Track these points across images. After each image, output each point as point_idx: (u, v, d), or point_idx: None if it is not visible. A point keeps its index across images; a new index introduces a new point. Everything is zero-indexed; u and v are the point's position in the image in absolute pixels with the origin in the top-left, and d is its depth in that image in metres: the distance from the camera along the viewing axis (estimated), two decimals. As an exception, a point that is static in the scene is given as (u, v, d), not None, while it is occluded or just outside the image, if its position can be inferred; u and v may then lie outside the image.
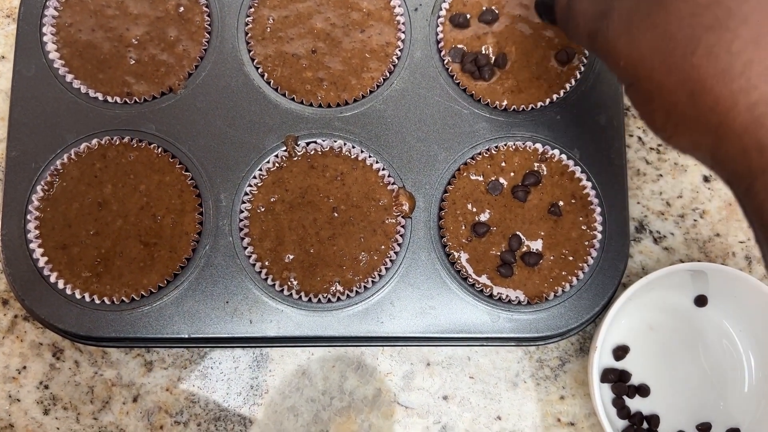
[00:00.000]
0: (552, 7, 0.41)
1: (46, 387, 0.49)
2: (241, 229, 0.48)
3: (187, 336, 0.46)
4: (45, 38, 0.49)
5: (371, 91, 0.50)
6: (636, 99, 0.34)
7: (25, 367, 0.49)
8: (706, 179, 0.54)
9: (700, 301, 0.50)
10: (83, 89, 0.49)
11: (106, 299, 0.46)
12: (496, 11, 0.50)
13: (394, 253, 0.48)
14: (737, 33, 0.28)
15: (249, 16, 0.50)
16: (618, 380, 0.49)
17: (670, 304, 0.50)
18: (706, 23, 0.29)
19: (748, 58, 0.28)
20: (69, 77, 0.49)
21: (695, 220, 0.53)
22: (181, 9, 0.50)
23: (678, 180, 0.54)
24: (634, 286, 0.46)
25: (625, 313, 0.50)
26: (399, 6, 0.51)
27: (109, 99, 0.49)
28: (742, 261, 0.53)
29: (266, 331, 0.46)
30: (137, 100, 0.49)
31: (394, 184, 0.49)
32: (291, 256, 0.47)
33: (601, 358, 0.47)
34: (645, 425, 0.48)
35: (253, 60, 0.50)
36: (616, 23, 0.33)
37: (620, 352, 0.49)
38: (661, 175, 0.54)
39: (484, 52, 0.50)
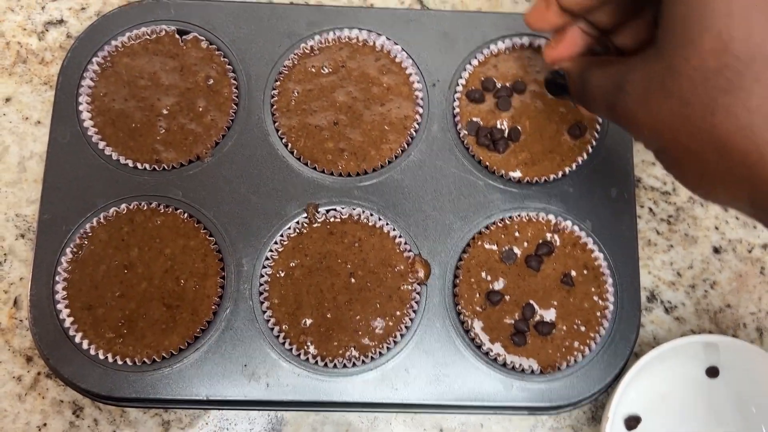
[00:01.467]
0: (564, 86, 0.43)
1: (65, 445, 0.50)
2: (261, 293, 0.49)
3: (205, 398, 0.47)
4: (80, 107, 0.51)
5: (390, 162, 0.52)
6: (666, 163, 0.36)
7: (45, 424, 0.50)
8: (716, 250, 0.55)
9: (712, 372, 0.51)
10: (114, 156, 0.51)
11: (128, 360, 0.47)
12: (510, 87, 0.53)
13: (410, 319, 0.49)
14: (752, 91, 0.30)
15: (275, 89, 0.53)
16: (630, 451, 0.49)
17: (682, 375, 0.51)
18: (720, 86, 0.30)
19: (767, 111, 0.30)
20: (101, 144, 0.51)
21: (706, 291, 0.54)
22: (211, 81, 0.52)
23: (688, 251, 0.55)
24: (645, 357, 0.47)
25: (637, 383, 0.50)
26: (418, 82, 0.53)
27: (139, 166, 0.51)
28: (754, 332, 0.53)
29: (282, 395, 0.47)
30: (165, 167, 0.51)
31: (410, 251, 0.50)
32: (309, 321, 0.48)
33: (613, 427, 0.48)
34: (658, 498, 0.48)
35: (277, 131, 0.52)
36: (633, 95, 0.34)
37: (632, 422, 0.49)
38: (671, 246, 0.55)
39: (498, 126, 0.52)
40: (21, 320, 0.52)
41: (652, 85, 0.33)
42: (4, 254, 0.53)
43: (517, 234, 0.50)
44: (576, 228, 0.51)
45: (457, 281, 0.49)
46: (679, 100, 0.32)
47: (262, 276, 0.49)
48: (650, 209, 0.56)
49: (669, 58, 0.32)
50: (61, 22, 0.57)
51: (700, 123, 0.31)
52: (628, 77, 0.35)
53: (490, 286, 0.49)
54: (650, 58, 0.34)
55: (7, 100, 0.55)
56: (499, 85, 0.53)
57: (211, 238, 0.50)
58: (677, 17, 0.31)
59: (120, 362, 0.47)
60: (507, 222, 0.51)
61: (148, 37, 0.53)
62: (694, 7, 0.31)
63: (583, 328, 0.49)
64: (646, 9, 0.40)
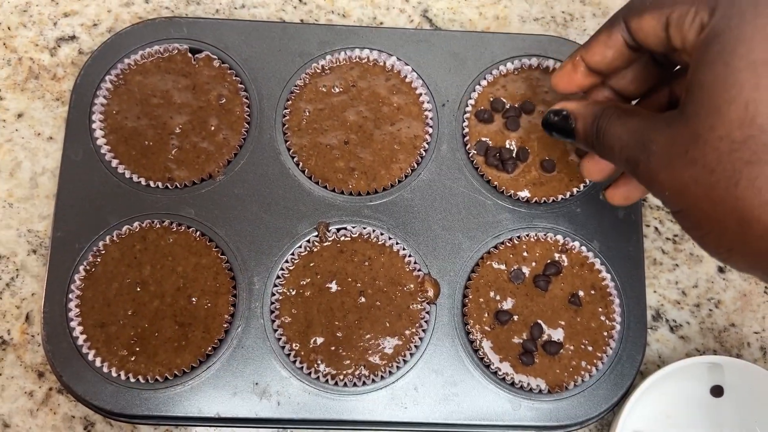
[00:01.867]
0: (566, 129, 0.42)
1: (77, 461, 0.50)
2: (272, 312, 0.49)
3: (216, 416, 0.48)
4: (93, 125, 0.52)
5: (399, 181, 0.52)
6: (685, 225, 0.36)
7: (56, 440, 0.51)
8: (721, 270, 0.56)
9: (717, 391, 0.51)
10: (127, 174, 0.51)
11: (140, 378, 0.48)
12: (519, 107, 0.53)
13: (419, 338, 0.49)
14: None
15: (286, 108, 0.53)
16: (636, 470, 0.50)
17: (687, 394, 0.51)
18: (744, 158, 0.30)
19: None
20: (114, 162, 0.51)
21: (710, 310, 0.55)
22: (223, 100, 0.53)
23: (693, 270, 0.55)
24: (651, 377, 0.47)
25: (642, 402, 0.51)
26: (428, 102, 0.54)
27: (152, 184, 0.51)
28: (757, 352, 0.54)
29: (293, 414, 0.48)
30: (178, 185, 0.51)
31: (419, 270, 0.51)
32: (319, 339, 0.49)
33: (619, 447, 0.48)
34: None
35: (289, 150, 0.52)
36: (657, 156, 0.34)
37: (638, 441, 0.50)
38: (677, 265, 0.55)
39: (507, 146, 0.53)
40: (33, 336, 0.52)
41: (677, 150, 0.33)
42: (17, 270, 0.53)
43: (525, 254, 0.51)
44: (584, 248, 0.51)
45: (466, 300, 0.50)
46: (703, 168, 0.32)
47: (273, 294, 0.50)
48: (656, 228, 0.56)
49: (694, 125, 0.32)
50: (73, 38, 0.58)
51: (722, 192, 0.31)
52: (652, 136, 0.34)
53: (499, 306, 0.50)
54: (675, 122, 0.33)
55: (20, 115, 0.56)
56: (507, 106, 0.53)
57: (223, 257, 0.50)
58: (704, 85, 0.32)
59: (132, 380, 0.48)
60: (515, 242, 0.51)
61: (160, 55, 0.54)
62: (721, 77, 0.31)
63: (590, 348, 0.49)
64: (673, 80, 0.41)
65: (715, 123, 0.31)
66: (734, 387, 0.51)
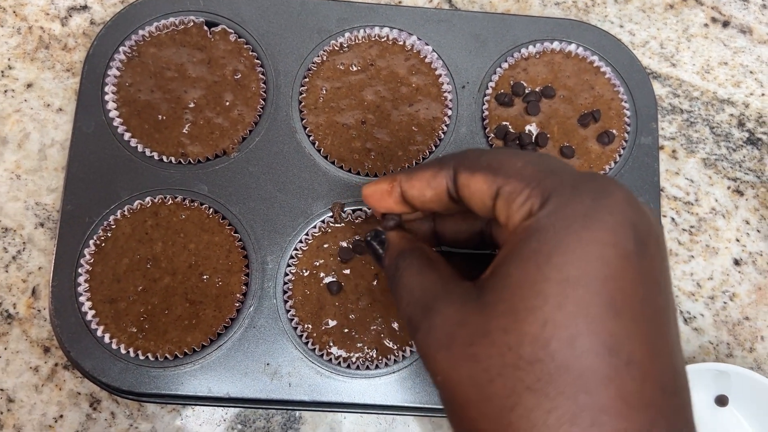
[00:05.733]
0: (375, 252, 0.37)
1: (82, 438, 0.50)
2: (285, 292, 0.49)
3: (227, 396, 0.47)
4: (106, 97, 0.51)
5: (417, 163, 0.51)
6: (444, 403, 0.30)
7: (62, 416, 0.50)
8: (736, 262, 0.55)
9: (721, 401, 0.51)
10: (140, 148, 0.50)
11: (150, 355, 0.47)
12: (540, 92, 0.52)
13: (433, 323, 0.49)
14: (555, 403, 0.25)
15: (303, 86, 0.52)
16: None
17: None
18: (527, 382, 0.26)
19: None
20: (126, 135, 0.50)
21: (725, 303, 0.54)
22: (238, 75, 0.52)
23: (709, 262, 0.55)
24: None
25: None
26: (447, 83, 0.53)
27: (164, 159, 0.50)
28: (771, 346, 0.54)
29: (304, 395, 0.47)
30: (191, 161, 0.50)
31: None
32: (332, 322, 0.48)
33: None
34: None
35: (305, 128, 0.51)
36: (439, 331, 0.29)
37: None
38: (692, 257, 0.55)
39: (527, 131, 0.52)
40: (39, 310, 0.51)
41: (462, 336, 0.28)
42: (23, 243, 0.52)
43: (542, 240, 0.50)
44: (602, 236, 0.50)
45: (482, 286, 0.49)
46: (483, 372, 0.27)
47: (287, 275, 0.49)
48: (673, 219, 0.56)
49: (487, 318, 0.27)
50: (84, 8, 0.57)
51: (496, 411, 0.26)
52: (441, 307, 0.30)
53: (515, 292, 0.49)
54: (470, 300, 0.28)
55: (29, 85, 0.55)
56: (528, 90, 0.53)
57: (236, 235, 0.49)
58: (511, 280, 0.27)
59: (142, 357, 0.47)
60: (533, 228, 0.50)
61: (175, 27, 0.52)
62: (529, 280, 0.26)
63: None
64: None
65: (509, 327, 0.26)
66: (740, 398, 0.50)
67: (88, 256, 0.48)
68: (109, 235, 0.49)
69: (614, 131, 0.52)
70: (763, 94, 0.59)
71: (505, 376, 0.26)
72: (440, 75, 0.53)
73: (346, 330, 0.48)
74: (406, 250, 0.35)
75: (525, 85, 0.53)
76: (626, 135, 0.53)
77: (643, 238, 0.27)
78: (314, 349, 0.48)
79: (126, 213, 0.49)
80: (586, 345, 0.25)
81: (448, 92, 0.53)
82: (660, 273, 0.27)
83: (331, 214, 0.50)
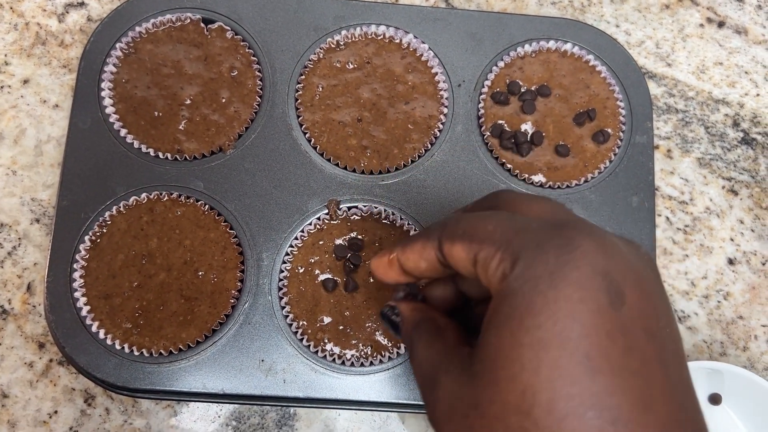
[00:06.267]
0: (394, 325, 0.37)
1: (76, 433, 0.50)
2: (280, 289, 0.49)
3: (221, 392, 0.47)
4: (102, 93, 0.51)
5: (412, 161, 0.51)
6: None
7: (56, 412, 0.50)
8: (731, 262, 0.55)
9: (714, 399, 0.51)
10: (136, 144, 0.50)
11: (144, 351, 0.47)
12: (535, 91, 0.52)
13: (428, 320, 0.49)
14: None
15: (299, 83, 0.52)
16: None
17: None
18: None
19: None
20: (123, 132, 0.50)
21: (719, 302, 0.55)
22: (235, 72, 0.52)
23: (703, 261, 0.55)
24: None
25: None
26: (443, 81, 0.53)
27: (160, 155, 0.50)
28: (764, 345, 0.54)
29: (298, 392, 0.47)
30: (187, 157, 0.50)
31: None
32: (327, 318, 0.48)
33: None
34: None
35: (301, 125, 0.51)
36: (442, 403, 0.29)
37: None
38: (687, 256, 0.55)
39: (522, 129, 0.52)
40: (34, 306, 0.51)
41: (459, 407, 0.28)
42: (19, 239, 0.52)
43: (537, 239, 0.50)
44: (596, 235, 0.51)
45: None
46: None
47: (282, 271, 0.49)
48: (667, 218, 0.56)
49: (477, 388, 0.27)
50: (81, 4, 0.57)
51: None
52: (442, 379, 0.30)
53: (509, 290, 0.49)
54: (465, 370, 0.29)
55: (25, 81, 0.55)
56: (524, 88, 0.53)
57: (232, 231, 0.49)
58: (491, 348, 0.27)
59: (136, 353, 0.47)
60: (528, 226, 0.51)
61: (172, 24, 0.52)
62: (506, 347, 0.26)
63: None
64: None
65: (494, 398, 0.26)
66: (733, 396, 0.50)
67: (83, 252, 0.48)
68: (104, 230, 0.49)
69: (609, 130, 0.52)
70: (757, 95, 0.59)
71: None
72: (436, 73, 0.53)
73: (341, 327, 0.48)
74: (418, 322, 0.35)
75: (521, 83, 0.53)
76: (621, 134, 0.53)
77: (618, 287, 0.26)
78: (309, 345, 0.48)
79: (121, 209, 0.49)
80: (565, 409, 0.24)
81: (444, 90, 0.53)
82: (648, 318, 0.26)
83: (326, 211, 0.50)
